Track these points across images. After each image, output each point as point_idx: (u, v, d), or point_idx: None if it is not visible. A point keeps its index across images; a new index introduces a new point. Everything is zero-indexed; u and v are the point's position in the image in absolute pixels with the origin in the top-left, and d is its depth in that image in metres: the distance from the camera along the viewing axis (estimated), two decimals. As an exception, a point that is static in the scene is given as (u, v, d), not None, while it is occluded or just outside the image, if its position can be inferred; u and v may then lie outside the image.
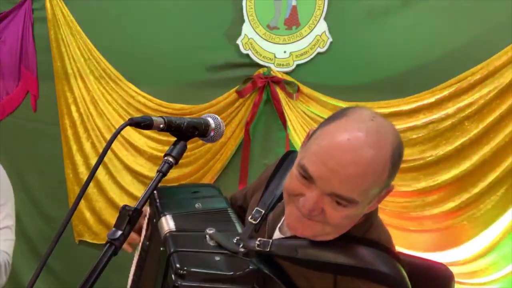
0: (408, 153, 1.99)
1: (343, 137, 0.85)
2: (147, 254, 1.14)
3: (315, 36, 2.17)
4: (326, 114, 2.07)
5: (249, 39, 2.29)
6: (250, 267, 0.94)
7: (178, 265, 0.92)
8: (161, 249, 1.01)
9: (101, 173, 2.70)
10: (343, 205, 0.86)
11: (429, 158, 1.96)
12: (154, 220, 1.11)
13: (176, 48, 2.51)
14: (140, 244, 1.17)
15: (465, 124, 1.91)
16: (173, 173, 2.49)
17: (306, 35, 2.19)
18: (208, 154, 2.40)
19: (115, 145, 2.63)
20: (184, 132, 0.97)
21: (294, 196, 0.91)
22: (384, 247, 0.96)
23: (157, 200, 1.15)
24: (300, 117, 2.18)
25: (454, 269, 1.33)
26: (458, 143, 1.92)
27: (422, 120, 1.97)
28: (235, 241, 1.00)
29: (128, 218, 0.84)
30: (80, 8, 2.75)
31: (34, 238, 3.00)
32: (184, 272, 0.91)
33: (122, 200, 2.66)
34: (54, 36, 2.80)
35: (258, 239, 0.99)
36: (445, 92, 1.92)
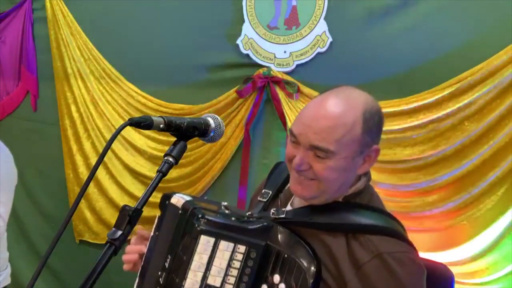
0: (408, 153, 2.00)
1: (317, 101, 1.05)
2: (153, 241, 1.15)
3: (315, 36, 2.17)
4: (326, 114, 2.07)
5: (249, 39, 2.29)
6: (265, 223, 1.03)
7: (199, 215, 0.99)
8: (180, 212, 1.05)
9: (101, 173, 2.70)
10: (323, 156, 0.99)
11: (429, 158, 1.96)
12: (167, 202, 1.14)
13: (176, 48, 2.51)
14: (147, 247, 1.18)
15: (465, 124, 1.91)
16: (173, 173, 2.49)
17: (306, 35, 2.19)
18: (208, 154, 2.40)
19: (115, 145, 2.63)
20: (184, 132, 0.98)
21: (290, 160, 1.04)
22: (386, 212, 1.08)
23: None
24: (300, 117, 2.18)
25: (454, 269, 1.33)
26: (458, 143, 1.92)
27: (422, 120, 1.97)
28: (248, 214, 1.09)
29: (128, 218, 0.84)
30: (80, 8, 2.75)
31: (34, 238, 3.00)
32: (206, 220, 0.99)
33: (122, 200, 2.66)
34: (54, 36, 2.80)
35: (272, 209, 1.09)
36: (445, 92, 1.93)
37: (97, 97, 2.71)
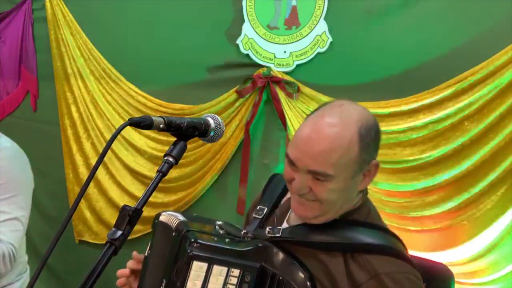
0: (408, 153, 2.00)
1: (310, 123, 1.01)
2: (148, 262, 1.15)
3: (315, 36, 2.17)
4: (326, 114, 2.07)
5: (249, 39, 2.29)
6: (260, 244, 1.01)
7: (192, 239, 0.97)
8: (173, 234, 1.04)
9: (101, 173, 2.70)
10: (322, 180, 0.97)
11: (429, 158, 1.96)
12: (156, 221, 1.12)
13: (176, 48, 2.51)
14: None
15: (465, 124, 1.91)
16: (173, 173, 2.49)
17: (306, 35, 2.19)
18: (208, 154, 2.40)
19: (115, 145, 2.63)
20: (184, 132, 0.97)
21: (289, 182, 1.03)
22: (385, 228, 1.07)
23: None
24: (300, 117, 2.18)
25: (454, 269, 1.33)
26: (458, 143, 1.92)
27: (422, 120, 1.97)
28: (243, 233, 1.07)
29: (128, 218, 0.84)
30: (80, 8, 2.75)
31: (34, 238, 2.99)
32: (198, 244, 0.97)
33: (122, 200, 2.66)
34: (54, 36, 2.80)
35: (268, 227, 1.07)
36: (445, 92, 1.93)
37: (97, 97, 2.71)
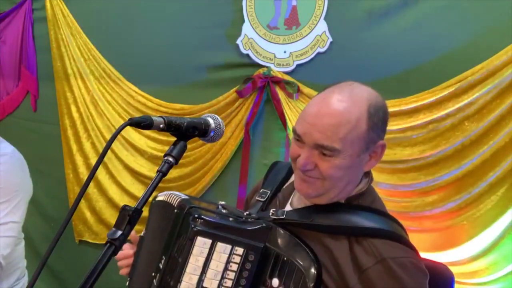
0: (408, 153, 2.00)
1: (320, 99, 1.02)
2: (144, 241, 1.17)
3: (315, 36, 2.17)
4: (326, 114, 2.07)
5: (249, 39, 2.29)
6: (264, 224, 1.00)
7: (196, 215, 0.97)
8: (175, 211, 1.03)
9: (101, 173, 2.70)
10: (329, 155, 0.97)
11: (429, 158, 1.96)
12: (154, 200, 1.13)
13: (176, 48, 2.51)
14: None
15: (465, 124, 1.91)
16: (173, 173, 2.50)
17: (306, 35, 2.19)
18: (208, 154, 2.40)
19: (115, 145, 2.63)
20: (184, 132, 0.97)
21: (295, 160, 1.03)
22: (389, 215, 1.07)
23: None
24: (300, 117, 2.18)
25: (454, 269, 1.33)
26: (458, 143, 1.92)
27: (422, 120, 1.97)
28: (245, 214, 1.07)
29: (128, 218, 0.84)
30: (80, 8, 2.75)
31: (34, 238, 3.00)
32: (202, 220, 0.96)
33: (122, 200, 2.66)
34: (54, 36, 2.80)
35: (272, 209, 1.07)
36: (445, 92, 1.93)
37: (97, 97, 2.71)
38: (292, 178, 1.20)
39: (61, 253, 2.69)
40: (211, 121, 1.03)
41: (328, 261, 0.97)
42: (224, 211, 1.04)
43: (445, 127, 1.93)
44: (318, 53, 2.17)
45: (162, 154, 0.95)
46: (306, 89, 2.18)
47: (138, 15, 2.60)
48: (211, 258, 0.95)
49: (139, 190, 2.62)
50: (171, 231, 1.02)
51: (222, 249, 0.95)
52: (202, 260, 0.95)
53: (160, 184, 0.93)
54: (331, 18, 2.14)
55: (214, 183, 2.45)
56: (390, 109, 1.98)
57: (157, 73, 2.58)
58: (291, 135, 2.19)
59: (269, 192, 1.19)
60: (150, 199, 0.91)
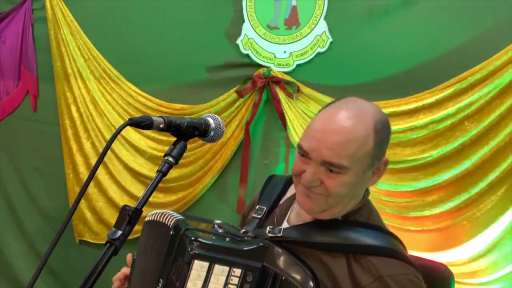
0: (408, 153, 2.00)
1: (327, 115, 1.01)
2: (138, 263, 1.15)
3: (315, 36, 2.17)
4: (326, 114, 2.07)
5: (249, 39, 2.29)
6: (261, 244, 0.99)
7: (192, 238, 0.96)
8: (171, 232, 1.03)
9: (101, 173, 2.70)
10: (336, 172, 0.96)
11: (429, 158, 1.96)
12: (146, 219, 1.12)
13: (176, 48, 2.51)
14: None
15: (465, 124, 1.91)
16: (173, 173, 2.49)
17: (306, 35, 2.19)
18: (208, 154, 2.40)
19: (115, 145, 2.63)
20: (184, 132, 0.97)
21: (299, 175, 1.01)
22: (386, 230, 1.06)
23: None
24: (300, 117, 2.18)
25: (454, 269, 1.33)
26: (458, 143, 1.92)
27: (422, 120, 1.97)
28: (242, 232, 1.06)
29: (128, 218, 0.84)
30: (80, 8, 2.75)
31: (34, 238, 3.00)
32: (199, 243, 0.96)
33: (122, 200, 2.66)
34: (54, 36, 2.79)
35: (268, 227, 1.06)
36: (445, 92, 1.93)
37: (97, 97, 2.71)
38: (289, 192, 1.20)
39: (61, 253, 2.69)
40: (211, 121, 1.02)
41: (326, 279, 0.97)
42: (220, 230, 1.03)
43: (445, 127, 1.94)
44: (318, 53, 2.17)
45: (162, 154, 0.95)
46: (306, 89, 2.18)
47: (138, 15, 2.60)
48: (209, 281, 0.94)
49: (139, 190, 2.62)
50: (167, 253, 1.01)
51: (220, 271, 0.94)
52: (200, 284, 0.94)
53: (160, 184, 0.92)
54: (331, 18, 2.15)
55: (214, 183, 2.44)
56: (390, 109, 2.00)
57: (157, 73, 2.58)
58: (291, 135, 2.19)
59: (265, 208, 1.17)
60: (150, 199, 0.91)
